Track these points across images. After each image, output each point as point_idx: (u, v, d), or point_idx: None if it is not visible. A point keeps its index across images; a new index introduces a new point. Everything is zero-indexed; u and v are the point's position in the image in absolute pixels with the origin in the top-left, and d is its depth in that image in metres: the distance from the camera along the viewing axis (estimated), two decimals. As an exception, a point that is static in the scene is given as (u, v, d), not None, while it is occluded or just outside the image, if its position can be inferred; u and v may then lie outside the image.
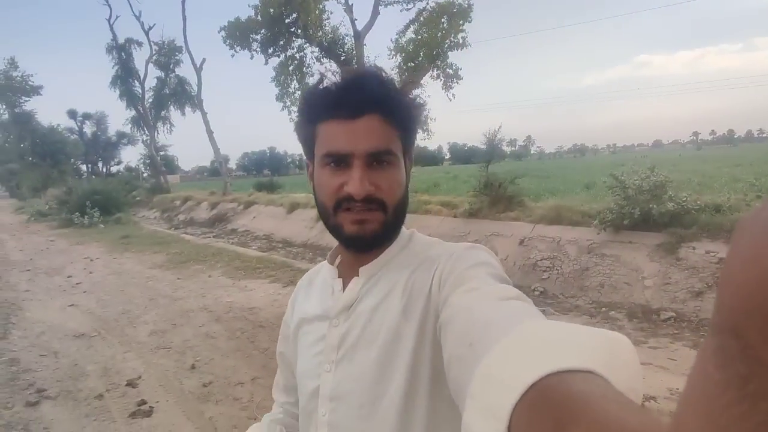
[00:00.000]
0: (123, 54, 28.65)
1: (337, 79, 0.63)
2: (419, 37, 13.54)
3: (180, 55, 28.16)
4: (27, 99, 30.50)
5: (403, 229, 0.71)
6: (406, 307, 0.62)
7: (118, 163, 49.73)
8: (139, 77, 28.78)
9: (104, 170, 48.22)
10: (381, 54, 15.98)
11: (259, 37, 13.77)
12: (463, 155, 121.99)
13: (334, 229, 0.65)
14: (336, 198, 0.62)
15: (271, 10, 12.67)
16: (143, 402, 3.20)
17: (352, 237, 0.63)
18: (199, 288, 6.32)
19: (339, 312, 0.67)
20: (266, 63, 14.39)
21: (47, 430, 2.93)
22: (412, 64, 13.42)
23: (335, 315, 0.68)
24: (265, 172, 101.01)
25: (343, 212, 0.62)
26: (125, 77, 28.76)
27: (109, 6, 27.14)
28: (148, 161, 35.12)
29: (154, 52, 27.83)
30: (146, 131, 29.66)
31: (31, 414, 3.13)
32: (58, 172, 29.51)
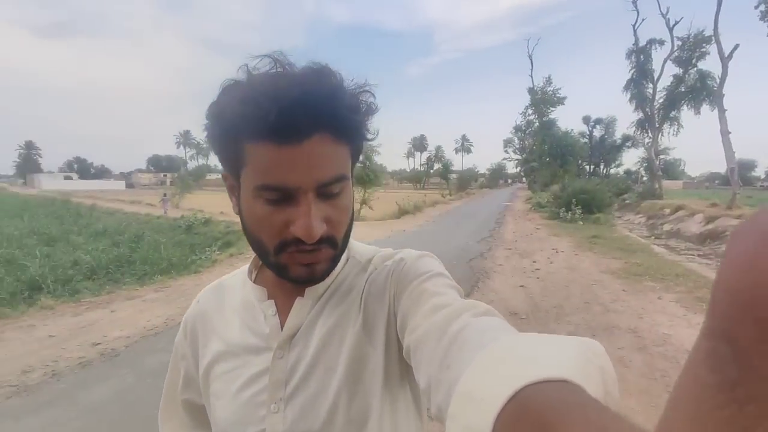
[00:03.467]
0: (642, 56, 28.61)
1: (266, 83, 0.48)
2: None
3: (707, 46, 25.02)
4: (553, 109, 36.83)
5: None
6: (366, 325, 0.59)
7: (618, 165, 51.18)
8: (653, 78, 27.91)
9: (604, 171, 51.00)
10: None
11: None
12: None
13: (276, 269, 0.56)
14: (280, 239, 0.53)
15: None
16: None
17: (301, 279, 0.56)
18: (639, 307, 5.63)
19: (284, 342, 0.60)
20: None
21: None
22: None
23: (279, 345, 0.60)
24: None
25: (287, 255, 0.54)
26: (639, 80, 28.75)
27: (637, 10, 27.66)
28: (646, 164, 33.96)
29: (675, 48, 26.12)
30: (649, 133, 28.68)
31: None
32: (563, 170, 34.12)
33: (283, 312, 0.62)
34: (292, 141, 0.48)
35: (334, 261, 0.57)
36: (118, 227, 15.73)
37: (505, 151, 54.73)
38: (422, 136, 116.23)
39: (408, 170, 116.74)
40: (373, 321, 0.59)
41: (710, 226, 13.35)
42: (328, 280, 0.62)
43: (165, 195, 23.20)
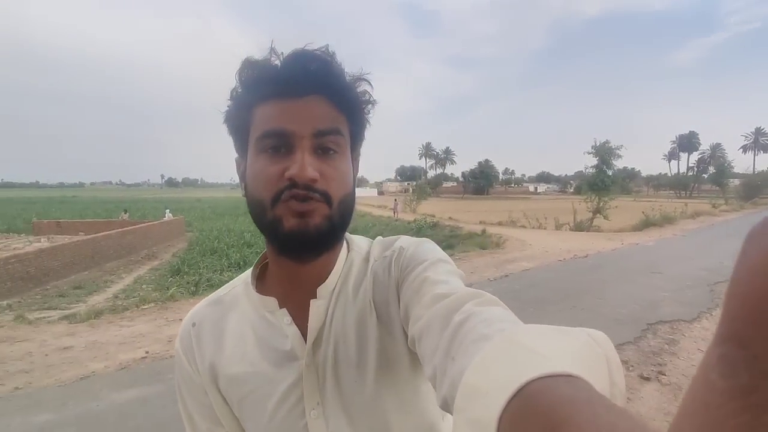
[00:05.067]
0: None
1: (279, 58, 0.55)
2: None
3: None
4: None
5: None
6: (381, 318, 0.58)
7: None
8: None
9: None
10: None
11: None
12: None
13: (271, 226, 0.54)
14: (276, 188, 0.52)
15: None
16: None
17: (293, 233, 0.53)
18: None
19: (311, 347, 0.58)
20: None
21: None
22: None
23: (307, 352, 0.58)
24: None
25: (282, 204, 0.52)
26: None
27: None
28: None
29: None
30: None
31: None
32: None
33: (297, 318, 0.60)
34: (292, 96, 0.53)
35: (330, 223, 0.54)
36: (365, 227, 18.91)
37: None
38: (692, 133, 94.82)
39: (670, 175, 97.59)
40: (387, 313, 0.58)
41: None
42: (333, 277, 0.61)
43: (396, 201, 26.53)
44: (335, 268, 0.61)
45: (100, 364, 4.12)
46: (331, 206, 0.54)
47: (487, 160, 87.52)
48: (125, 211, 21.28)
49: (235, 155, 0.61)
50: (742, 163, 71.99)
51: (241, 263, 9.33)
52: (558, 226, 17.55)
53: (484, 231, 14.25)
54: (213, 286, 7.15)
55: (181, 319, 4.80)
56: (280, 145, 0.53)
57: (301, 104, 0.53)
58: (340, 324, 0.59)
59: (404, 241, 0.63)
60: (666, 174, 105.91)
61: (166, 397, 3.40)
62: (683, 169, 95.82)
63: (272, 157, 0.53)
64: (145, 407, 3.30)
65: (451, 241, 13.96)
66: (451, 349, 0.39)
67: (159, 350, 4.44)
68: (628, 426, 0.20)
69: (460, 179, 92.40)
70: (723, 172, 53.70)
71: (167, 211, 19.70)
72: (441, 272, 0.53)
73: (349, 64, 0.56)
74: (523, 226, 17.69)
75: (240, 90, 0.56)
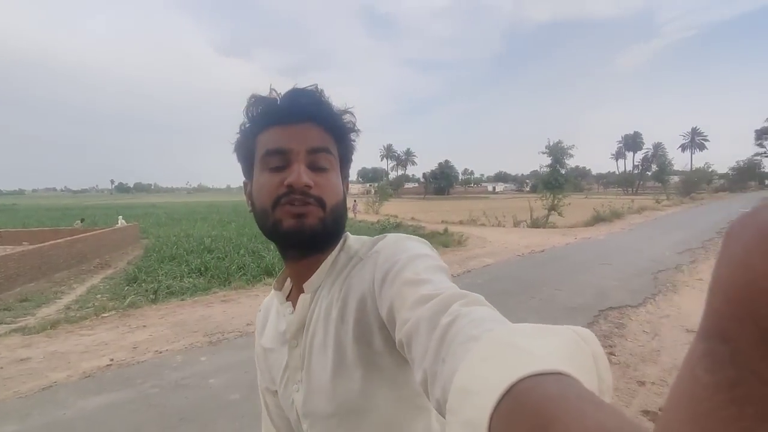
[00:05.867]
0: None
1: (277, 94, 0.67)
2: None
3: None
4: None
5: None
6: (342, 312, 0.63)
7: None
8: None
9: None
10: None
11: None
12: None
13: (273, 228, 0.63)
14: (275, 194, 0.62)
15: None
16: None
17: (291, 232, 0.62)
18: None
19: (294, 333, 0.69)
20: None
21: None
22: None
23: (291, 337, 0.69)
24: None
25: (281, 207, 0.62)
26: None
27: None
28: None
29: None
30: None
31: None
32: None
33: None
34: (289, 122, 0.64)
35: (324, 224, 0.63)
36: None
37: (759, 144, 43.16)
38: (636, 133, 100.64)
39: (618, 173, 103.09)
40: (348, 309, 0.62)
41: None
42: (320, 272, 0.68)
43: (355, 201, 26.73)
44: (321, 266, 0.68)
45: (61, 374, 3.97)
46: (325, 210, 0.63)
47: (447, 161, 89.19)
48: (81, 220, 20.04)
49: (243, 179, 0.71)
50: (680, 160, 76.85)
51: (202, 269, 9.12)
52: (516, 224, 18.21)
53: (446, 230, 14.56)
54: (174, 294, 6.98)
55: (145, 326, 4.74)
56: (280, 163, 0.63)
57: (297, 128, 0.64)
58: (316, 316, 0.67)
59: (387, 239, 0.66)
60: (614, 172, 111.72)
61: (138, 402, 3.36)
62: (629, 167, 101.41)
63: (273, 172, 0.63)
64: (117, 412, 3.24)
65: (415, 240, 14.20)
66: (440, 351, 0.39)
67: (125, 357, 4.33)
68: (616, 423, 0.20)
69: (422, 180, 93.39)
70: (664, 170, 57.38)
71: (120, 217, 18.84)
72: (422, 270, 0.53)
73: (334, 97, 0.67)
74: (483, 225, 18.24)
75: (247, 124, 0.67)
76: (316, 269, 0.68)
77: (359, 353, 0.60)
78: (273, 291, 0.78)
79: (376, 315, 0.58)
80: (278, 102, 0.65)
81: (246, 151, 0.68)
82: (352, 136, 0.70)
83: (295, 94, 0.64)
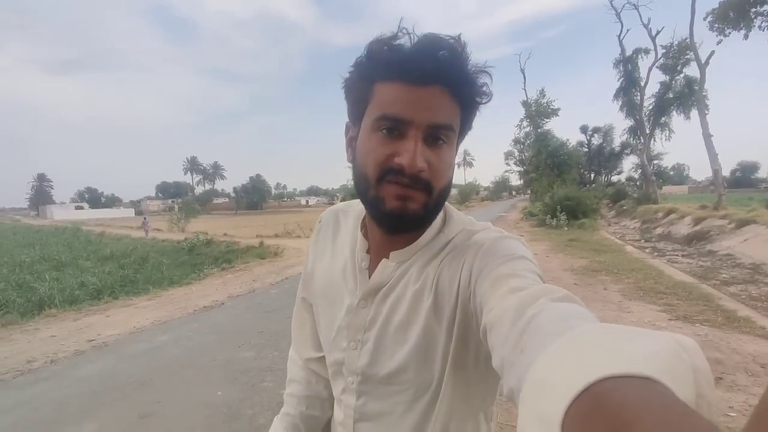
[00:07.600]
0: (629, 65, 29.32)
1: (410, 39, 0.56)
2: None
3: (691, 53, 25.65)
4: (547, 120, 37.51)
5: None
6: (435, 305, 0.61)
7: (619, 172, 51.39)
8: (641, 86, 28.56)
9: (606, 179, 51.22)
10: None
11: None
12: None
13: (374, 203, 0.60)
14: (382, 168, 0.57)
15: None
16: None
17: (393, 214, 0.58)
18: (582, 296, 6.16)
19: (367, 294, 0.66)
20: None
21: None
22: None
23: (363, 296, 0.67)
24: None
25: (386, 184, 0.58)
26: (628, 88, 29.37)
27: (621, 22, 28.49)
28: (640, 170, 34.37)
29: (659, 56, 26.82)
30: (641, 140, 29.22)
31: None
32: (560, 180, 34.53)
33: (374, 268, 0.67)
34: (415, 83, 0.54)
35: (426, 209, 0.59)
36: (125, 251, 16.48)
37: (506, 164, 55.37)
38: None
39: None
40: (443, 302, 0.60)
41: (697, 228, 13.52)
42: (413, 248, 0.65)
43: (145, 218, 24.49)
44: (416, 243, 0.65)
45: None
46: (431, 195, 0.58)
47: (258, 175, 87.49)
48: None
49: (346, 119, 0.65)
50: (457, 176, 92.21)
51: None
52: (329, 234, 19.14)
53: (261, 243, 14.49)
54: None
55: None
56: (394, 128, 0.56)
57: (422, 93, 0.55)
58: (400, 290, 0.64)
59: (487, 234, 0.63)
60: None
61: None
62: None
63: (385, 138, 0.57)
64: None
65: (229, 256, 13.69)
66: (520, 341, 0.38)
67: None
68: None
69: (233, 195, 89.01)
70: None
71: None
72: (518, 268, 0.53)
73: (474, 54, 0.56)
74: (299, 236, 18.66)
75: (365, 62, 0.58)
76: (408, 243, 0.65)
77: (452, 351, 0.60)
78: (354, 227, 0.74)
79: (478, 321, 0.55)
80: (408, 52, 0.55)
81: (358, 95, 0.60)
82: (484, 100, 0.60)
83: (431, 47, 0.55)
